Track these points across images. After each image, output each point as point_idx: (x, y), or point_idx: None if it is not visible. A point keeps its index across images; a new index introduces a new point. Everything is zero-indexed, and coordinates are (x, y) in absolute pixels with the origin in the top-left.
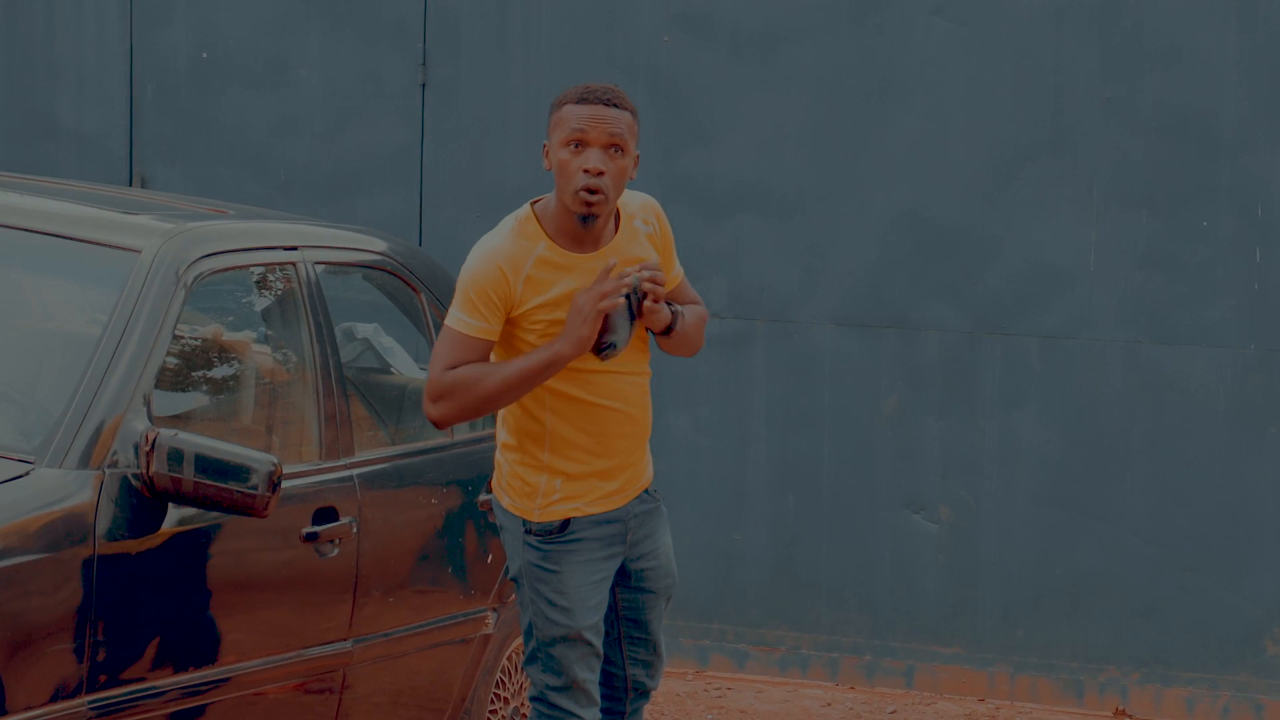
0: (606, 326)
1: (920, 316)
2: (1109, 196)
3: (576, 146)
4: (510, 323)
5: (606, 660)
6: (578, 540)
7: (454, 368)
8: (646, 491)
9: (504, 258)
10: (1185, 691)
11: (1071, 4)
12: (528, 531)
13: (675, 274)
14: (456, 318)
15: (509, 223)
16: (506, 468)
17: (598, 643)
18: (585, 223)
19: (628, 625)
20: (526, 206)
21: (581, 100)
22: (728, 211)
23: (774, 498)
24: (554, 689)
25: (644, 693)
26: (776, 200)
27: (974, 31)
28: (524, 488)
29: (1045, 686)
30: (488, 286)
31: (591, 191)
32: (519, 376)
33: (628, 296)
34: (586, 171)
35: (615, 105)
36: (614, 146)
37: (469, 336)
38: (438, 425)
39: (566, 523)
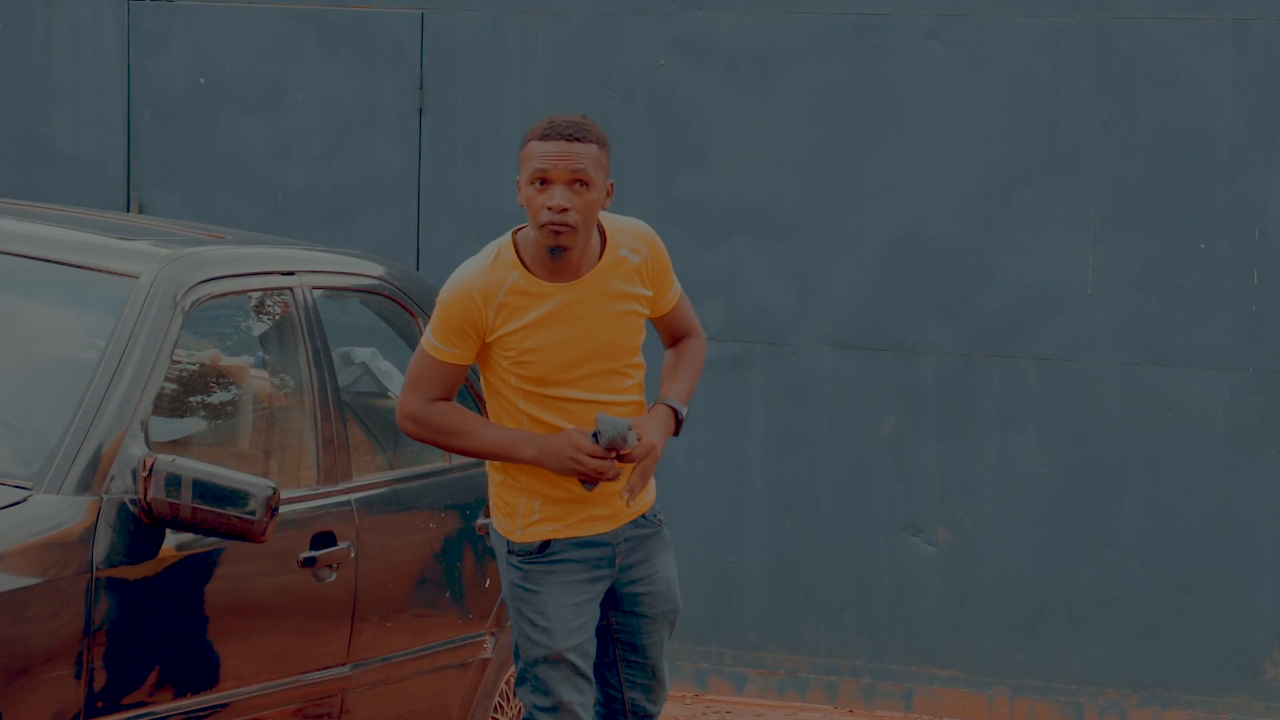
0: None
1: (917, 339)
2: (1106, 218)
3: (541, 184)
4: (485, 346)
5: (605, 683)
6: (558, 562)
7: (423, 389)
8: (645, 516)
9: (477, 287)
10: (1184, 714)
11: (1067, 26)
12: (510, 551)
13: (672, 297)
14: (429, 340)
15: (490, 250)
16: (493, 488)
17: (583, 665)
18: (554, 254)
19: (623, 649)
20: (508, 235)
21: (545, 136)
22: (724, 234)
23: (771, 520)
24: (542, 710)
25: (645, 717)
26: (773, 223)
27: (970, 54)
28: (506, 508)
29: (1044, 709)
30: (459, 316)
31: (557, 228)
32: (485, 448)
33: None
34: (550, 209)
35: (578, 139)
36: (578, 182)
37: (438, 361)
38: (408, 437)
39: (546, 544)
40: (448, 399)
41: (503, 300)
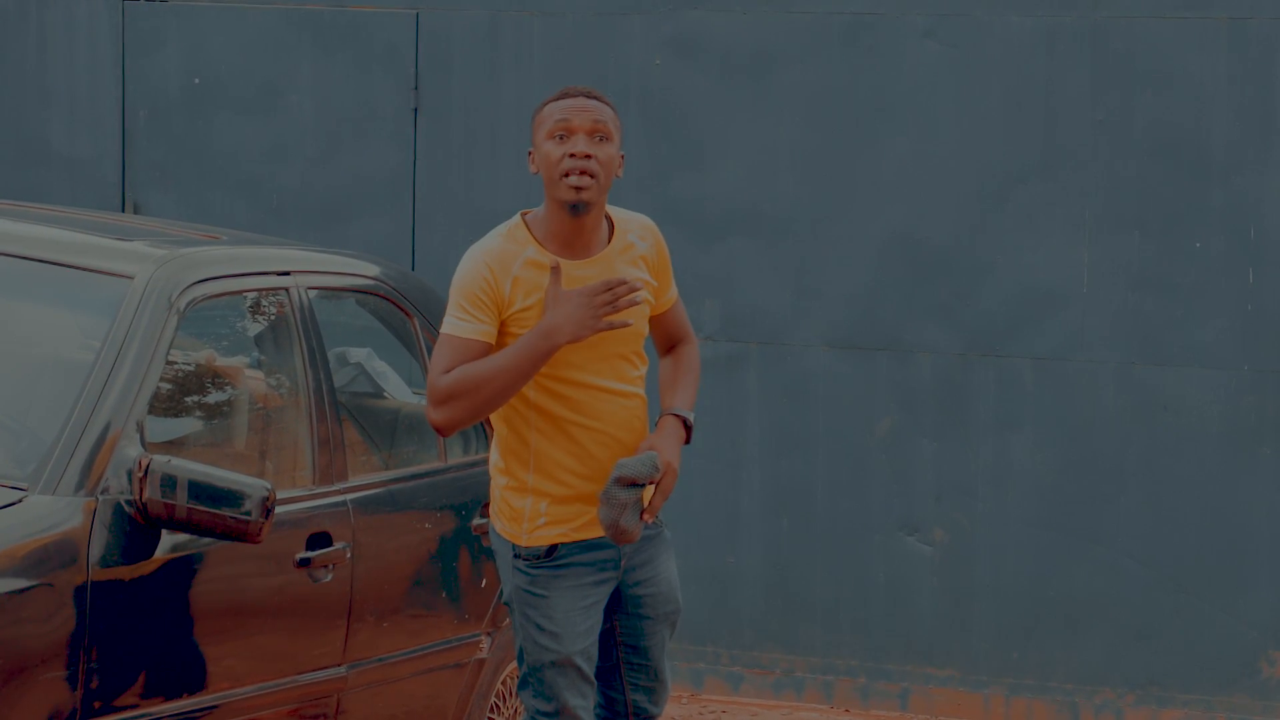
0: (619, 512)
1: (913, 338)
2: (1101, 218)
3: (562, 137)
4: (502, 328)
5: (607, 685)
6: (566, 566)
7: (438, 369)
8: None
9: (492, 258)
10: (1181, 713)
11: (1062, 26)
12: (516, 556)
13: (671, 295)
14: (450, 322)
15: (498, 230)
16: (497, 492)
17: (588, 669)
18: (575, 211)
19: (626, 652)
20: (516, 216)
21: (563, 96)
22: (720, 234)
23: (767, 520)
24: (545, 714)
25: (647, 718)
26: (768, 223)
27: (965, 54)
28: (511, 512)
29: (1041, 709)
30: (476, 287)
31: (580, 175)
32: (502, 372)
33: (641, 485)
34: (573, 156)
35: (596, 98)
36: (599, 134)
37: (463, 339)
38: (442, 431)
39: (554, 548)
40: None
41: (518, 273)
